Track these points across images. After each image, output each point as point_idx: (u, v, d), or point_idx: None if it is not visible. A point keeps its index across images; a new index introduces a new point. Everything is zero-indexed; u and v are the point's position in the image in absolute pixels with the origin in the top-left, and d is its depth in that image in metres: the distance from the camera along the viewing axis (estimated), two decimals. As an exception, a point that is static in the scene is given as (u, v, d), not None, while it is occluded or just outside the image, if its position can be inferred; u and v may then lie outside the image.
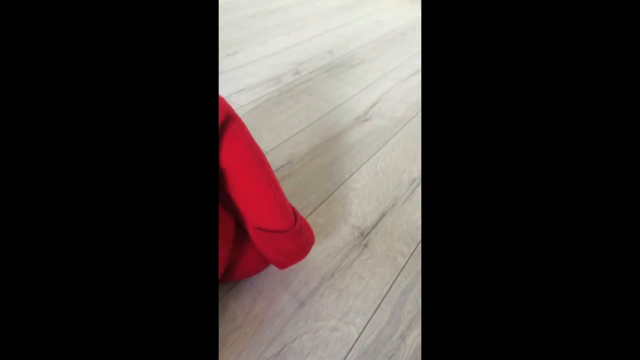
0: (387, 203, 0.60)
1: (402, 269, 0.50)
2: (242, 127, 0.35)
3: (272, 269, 0.48)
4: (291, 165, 0.66)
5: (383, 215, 0.58)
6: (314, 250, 0.51)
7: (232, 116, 0.34)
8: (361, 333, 0.42)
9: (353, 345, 0.41)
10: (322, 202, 0.59)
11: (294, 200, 0.59)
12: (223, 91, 0.88)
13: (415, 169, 0.67)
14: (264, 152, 0.70)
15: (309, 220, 0.56)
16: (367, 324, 0.43)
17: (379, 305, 0.45)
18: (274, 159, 0.68)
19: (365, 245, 0.53)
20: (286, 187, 0.62)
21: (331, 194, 0.61)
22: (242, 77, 0.95)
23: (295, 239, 0.40)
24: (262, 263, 0.45)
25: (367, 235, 0.54)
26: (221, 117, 0.33)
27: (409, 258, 0.51)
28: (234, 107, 0.83)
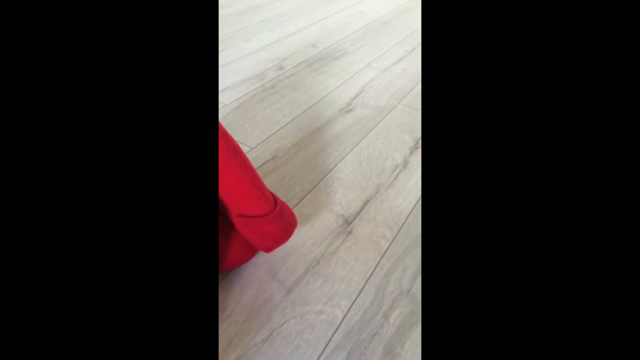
0: (370, 190, 0.61)
1: (385, 252, 0.52)
2: None
3: (260, 259, 0.50)
4: (276, 160, 0.68)
5: (367, 202, 0.59)
6: (300, 239, 0.53)
7: None
8: (346, 314, 0.44)
9: (338, 326, 0.43)
10: (307, 193, 0.61)
11: (280, 193, 0.61)
12: (208, 91, 0.90)
13: (397, 156, 0.69)
14: (250, 149, 0.71)
15: (295, 211, 0.58)
16: (351, 306, 0.45)
17: (362, 288, 0.47)
18: (260, 155, 0.69)
19: (350, 232, 0.54)
20: (272, 180, 0.63)
21: (316, 185, 0.62)
22: (227, 75, 0.96)
23: (276, 222, 0.42)
24: (249, 251, 0.47)
25: (351, 223, 0.56)
26: None
27: (392, 241, 0.53)
28: (220, 105, 0.85)
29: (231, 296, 0.46)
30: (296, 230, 0.54)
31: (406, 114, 0.81)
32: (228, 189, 0.38)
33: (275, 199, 0.42)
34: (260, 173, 0.65)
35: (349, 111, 0.82)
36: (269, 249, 0.45)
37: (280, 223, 0.42)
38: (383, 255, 0.51)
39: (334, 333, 0.43)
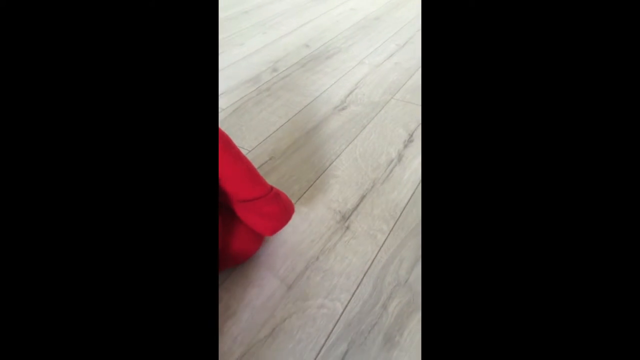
0: (366, 185, 0.63)
1: (382, 245, 0.53)
2: None
3: (261, 257, 0.52)
4: (274, 160, 0.69)
5: (363, 197, 0.60)
6: (299, 237, 0.54)
7: None
8: (346, 307, 0.46)
9: (339, 319, 0.44)
10: (305, 192, 0.62)
11: (278, 193, 0.62)
12: (204, 97, 0.91)
13: (392, 150, 0.70)
14: (247, 151, 0.73)
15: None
16: (351, 299, 0.46)
17: (361, 281, 0.48)
18: (257, 156, 0.71)
19: (347, 227, 0.56)
20: (270, 181, 0.65)
21: (313, 183, 0.64)
22: (222, 80, 0.97)
23: (275, 202, 0.45)
24: (253, 243, 0.49)
25: (348, 218, 0.57)
26: None
27: (389, 234, 0.54)
28: (216, 111, 0.86)
29: (234, 295, 0.47)
30: (295, 228, 0.56)
31: (400, 108, 0.82)
32: (227, 176, 0.42)
33: (270, 185, 0.46)
34: (258, 175, 0.66)
35: (343, 109, 0.83)
36: (272, 230, 0.47)
37: (279, 203, 0.46)
38: (380, 248, 0.52)
39: (335, 325, 0.44)
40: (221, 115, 0.84)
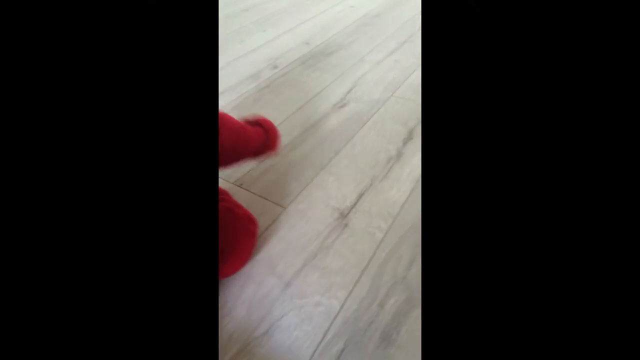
0: (365, 183, 0.62)
1: (380, 242, 0.52)
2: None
3: (259, 255, 0.52)
4: (272, 158, 0.69)
5: (361, 195, 0.60)
6: (297, 234, 0.54)
7: None
8: (343, 305, 0.45)
9: (335, 317, 0.44)
10: (303, 189, 0.62)
11: (275, 191, 0.62)
12: (204, 94, 0.91)
13: (391, 147, 0.69)
14: (246, 149, 0.72)
15: (291, 207, 0.59)
16: (348, 297, 0.46)
17: (359, 279, 0.48)
18: (256, 154, 0.71)
19: (346, 225, 0.55)
20: (268, 179, 0.65)
21: (311, 181, 0.63)
22: (222, 78, 0.97)
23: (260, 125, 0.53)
24: (244, 258, 0.49)
25: (346, 215, 0.57)
26: None
27: (387, 232, 0.54)
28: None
29: (231, 292, 0.47)
30: (293, 225, 0.56)
31: (399, 105, 0.81)
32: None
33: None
34: (256, 172, 0.66)
35: (343, 106, 0.82)
36: (273, 146, 0.52)
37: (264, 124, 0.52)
38: (378, 246, 0.52)
39: (332, 323, 0.44)
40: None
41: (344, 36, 1.15)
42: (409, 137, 0.72)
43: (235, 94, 0.90)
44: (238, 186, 0.63)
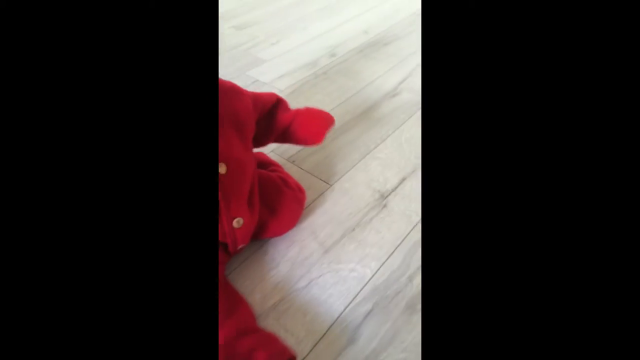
0: (407, 170, 0.66)
1: (415, 225, 0.56)
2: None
3: (303, 224, 0.58)
4: (324, 140, 0.75)
5: (403, 180, 0.64)
6: (339, 209, 0.60)
7: (257, 97, 0.51)
8: (374, 274, 0.50)
9: (367, 283, 0.50)
10: (348, 171, 0.67)
11: (322, 170, 0.68)
12: (266, 78, 0.99)
13: (438, 139, 0.71)
14: (300, 130, 0.79)
15: (336, 185, 0.65)
16: (380, 267, 0.51)
17: (392, 253, 0.53)
18: (309, 135, 0.77)
19: (384, 206, 0.60)
20: (316, 159, 0.71)
21: (357, 163, 0.68)
22: (283, 63, 1.04)
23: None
24: (291, 223, 0.56)
25: (386, 197, 0.61)
26: (252, 99, 0.48)
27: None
28: (275, 91, 0.93)
29: (278, 250, 0.55)
30: (336, 201, 0.61)
31: (452, 98, 0.82)
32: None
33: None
34: (306, 152, 0.72)
35: (395, 95, 0.85)
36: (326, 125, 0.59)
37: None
38: (413, 228, 0.56)
39: (363, 287, 0.49)
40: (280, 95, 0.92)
41: (403, 27, 1.15)
42: (457, 130, 0.73)
43: (293, 79, 0.96)
44: (290, 162, 0.70)
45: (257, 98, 0.51)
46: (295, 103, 0.88)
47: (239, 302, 0.46)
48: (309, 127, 0.57)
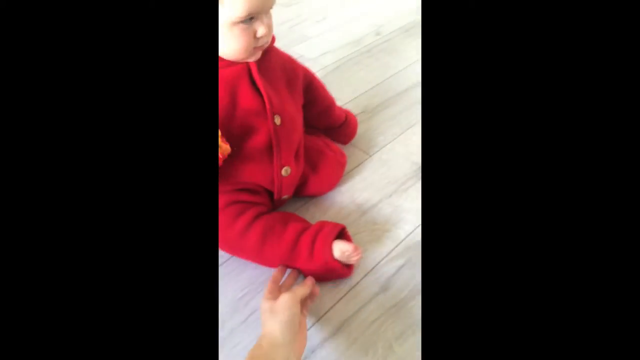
0: (446, 145, 0.68)
1: (450, 195, 0.59)
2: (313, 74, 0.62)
3: (343, 188, 0.63)
4: (365, 114, 0.78)
5: (441, 154, 0.66)
6: (378, 178, 0.64)
7: (308, 71, 0.59)
8: (408, 235, 0.54)
9: (400, 243, 0.54)
10: (388, 143, 0.70)
11: (364, 142, 0.72)
12: (311, 54, 1.02)
13: (479, 118, 0.72)
14: (343, 104, 0.83)
15: (375, 157, 0.68)
16: (413, 231, 0.55)
17: (425, 219, 0.56)
18: (351, 109, 0.80)
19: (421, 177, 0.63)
20: (359, 131, 0.74)
21: (397, 137, 0.71)
22: (328, 40, 1.07)
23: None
24: (332, 182, 0.61)
25: (423, 169, 0.64)
26: (304, 70, 0.57)
27: (459, 188, 0.60)
28: (319, 67, 0.97)
29: (319, 209, 0.60)
30: (375, 170, 0.65)
31: (497, 79, 0.82)
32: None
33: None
34: (350, 124, 0.76)
35: (438, 75, 0.86)
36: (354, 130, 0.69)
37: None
38: (448, 198, 0.59)
39: (396, 246, 0.53)
40: (323, 72, 0.95)
41: (452, 7, 1.14)
42: (499, 110, 0.73)
43: (338, 55, 0.99)
44: (333, 133, 0.74)
45: (307, 70, 0.58)
46: (338, 79, 0.91)
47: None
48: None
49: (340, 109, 0.67)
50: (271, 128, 0.48)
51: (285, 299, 0.40)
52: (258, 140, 0.48)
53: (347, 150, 0.70)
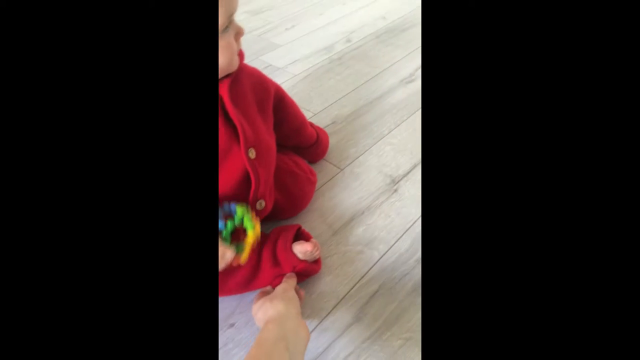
0: (420, 155, 0.65)
1: (426, 210, 0.56)
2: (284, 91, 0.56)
3: (313, 206, 0.58)
4: (335, 125, 0.75)
5: (415, 166, 0.63)
6: (349, 193, 0.60)
7: (279, 88, 0.53)
8: (382, 256, 0.50)
9: (374, 265, 0.50)
10: (360, 155, 0.67)
11: (334, 154, 0.68)
12: (280, 63, 0.99)
13: (453, 125, 0.70)
14: (313, 114, 0.79)
15: (347, 170, 0.64)
16: (388, 250, 0.51)
17: (400, 237, 0.52)
18: (320, 120, 0.77)
19: (395, 190, 0.59)
20: (330, 143, 0.70)
21: (369, 148, 0.68)
22: (298, 48, 1.04)
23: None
24: (302, 204, 0.57)
25: (397, 182, 0.61)
26: (275, 88, 0.52)
27: (434, 201, 0.57)
28: (289, 76, 0.93)
29: (287, 231, 0.55)
30: (347, 185, 0.61)
31: (469, 85, 0.80)
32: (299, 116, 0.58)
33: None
34: (320, 135, 0.72)
35: (411, 81, 0.84)
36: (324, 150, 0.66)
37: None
38: (424, 213, 0.55)
39: (370, 269, 0.49)
40: (293, 81, 0.91)
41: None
42: (473, 117, 0.71)
43: (308, 64, 0.96)
44: (302, 146, 0.70)
45: (278, 88, 0.53)
46: (308, 88, 0.87)
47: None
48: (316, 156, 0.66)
49: (311, 127, 0.62)
50: (246, 162, 0.43)
51: (280, 286, 0.42)
52: (232, 175, 0.43)
53: (318, 164, 0.66)
